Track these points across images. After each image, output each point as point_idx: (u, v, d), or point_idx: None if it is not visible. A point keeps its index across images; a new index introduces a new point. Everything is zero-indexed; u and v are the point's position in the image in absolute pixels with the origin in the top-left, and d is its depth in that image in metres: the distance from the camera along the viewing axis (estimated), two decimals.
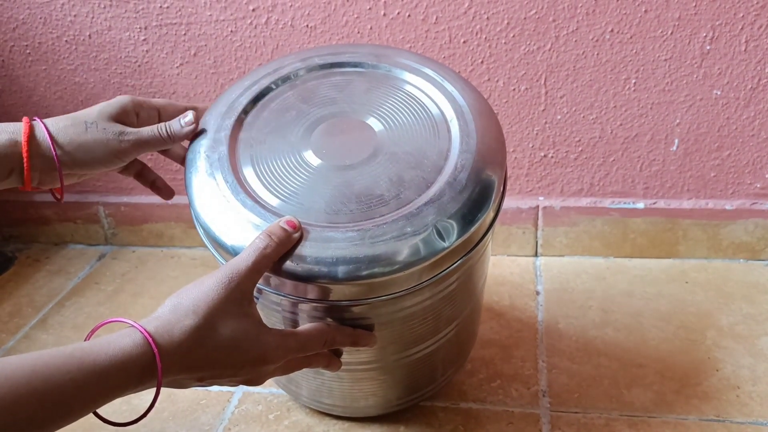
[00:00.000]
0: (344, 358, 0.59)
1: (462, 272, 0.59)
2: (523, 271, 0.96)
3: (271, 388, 0.77)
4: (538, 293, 0.90)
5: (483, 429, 0.69)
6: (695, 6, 0.81)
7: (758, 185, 0.91)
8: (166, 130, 0.56)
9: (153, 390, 0.46)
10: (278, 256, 0.51)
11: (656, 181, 0.92)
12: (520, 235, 0.98)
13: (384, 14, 0.87)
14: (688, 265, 0.94)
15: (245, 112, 0.61)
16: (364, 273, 0.52)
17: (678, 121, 0.88)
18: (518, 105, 0.90)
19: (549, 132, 0.91)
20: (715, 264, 0.94)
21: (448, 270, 0.55)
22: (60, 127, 0.54)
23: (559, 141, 0.92)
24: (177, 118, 0.57)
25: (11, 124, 0.53)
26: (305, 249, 0.52)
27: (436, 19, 0.86)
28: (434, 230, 0.53)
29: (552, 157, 0.93)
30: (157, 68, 0.96)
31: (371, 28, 0.88)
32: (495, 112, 0.64)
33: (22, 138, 0.52)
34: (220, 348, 0.47)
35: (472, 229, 0.54)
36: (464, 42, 0.87)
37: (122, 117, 0.56)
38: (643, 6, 0.82)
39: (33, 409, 0.40)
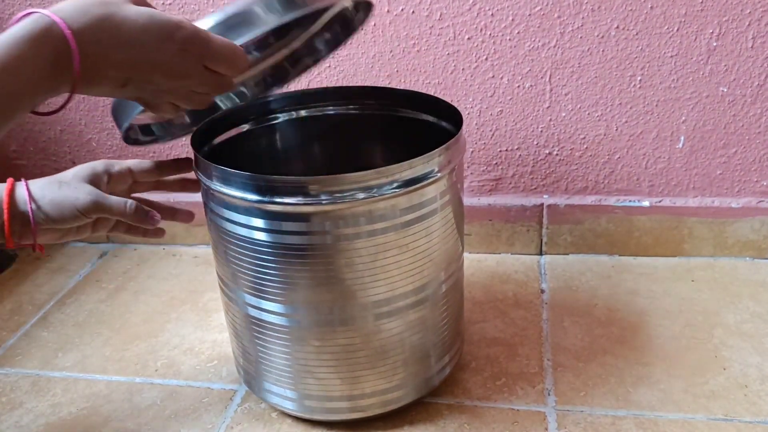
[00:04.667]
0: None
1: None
2: (528, 269, 0.95)
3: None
4: (542, 291, 0.90)
5: (488, 427, 0.68)
6: (702, 2, 0.81)
7: (765, 183, 0.90)
8: (131, 210, 0.59)
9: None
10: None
11: (662, 179, 0.92)
12: (525, 233, 0.97)
13: (388, 11, 0.86)
14: (693, 264, 0.93)
15: None
16: None
17: (684, 118, 0.88)
18: (523, 102, 0.89)
19: (554, 129, 0.91)
20: (721, 262, 0.93)
21: None
22: (38, 186, 0.58)
23: (563, 138, 0.91)
24: (147, 210, 0.60)
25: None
26: None
27: (441, 15, 0.85)
28: None
29: (557, 154, 0.92)
30: None
31: (375, 25, 0.87)
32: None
33: (4, 194, 0.57)
34: (131, 21, 0.46)
35: None
36: (468, 38, 0.86)
37: (94, 180, 0.61)
38: (649, 2, 0.81)
39: None
